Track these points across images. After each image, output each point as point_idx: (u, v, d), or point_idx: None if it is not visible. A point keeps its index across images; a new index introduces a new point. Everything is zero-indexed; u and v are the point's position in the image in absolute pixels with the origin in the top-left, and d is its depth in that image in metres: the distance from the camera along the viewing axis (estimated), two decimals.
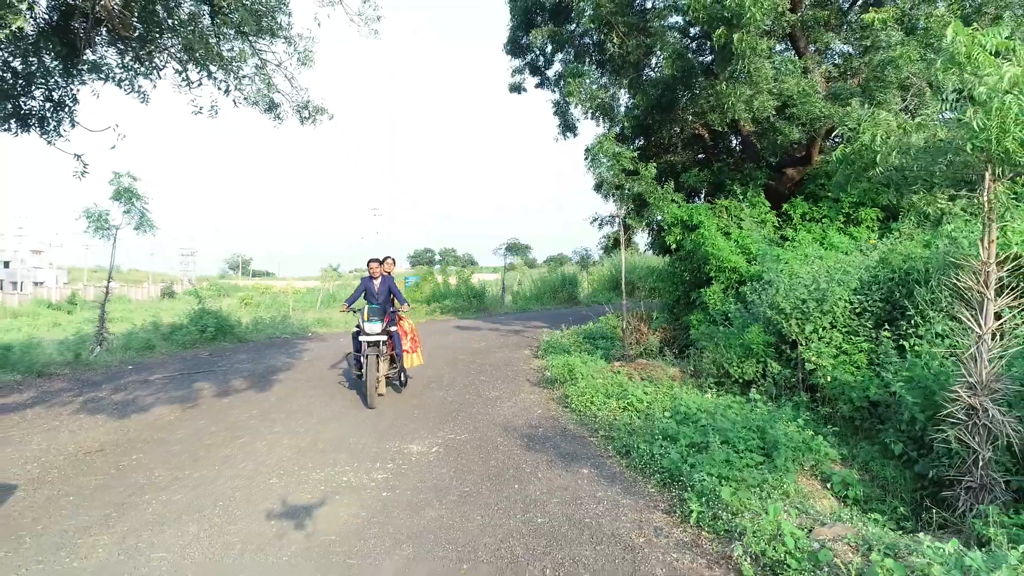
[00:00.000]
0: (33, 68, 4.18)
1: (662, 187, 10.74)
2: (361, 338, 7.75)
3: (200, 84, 4.13)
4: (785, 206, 11.17)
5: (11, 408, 7.78)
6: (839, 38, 10.79)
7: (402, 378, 8.43)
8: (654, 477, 4.88)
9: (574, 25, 14.11)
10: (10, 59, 4.17)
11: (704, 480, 4.33)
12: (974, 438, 4.31)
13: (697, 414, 5.75)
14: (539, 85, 16.40)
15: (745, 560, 3.35)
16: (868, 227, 10.56)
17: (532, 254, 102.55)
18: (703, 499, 4.14)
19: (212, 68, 3.90)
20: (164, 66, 3.95)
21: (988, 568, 2.72)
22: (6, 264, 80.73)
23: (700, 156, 13.25)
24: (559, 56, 15.50)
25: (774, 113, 9.60)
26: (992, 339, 4.38)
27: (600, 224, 15.41)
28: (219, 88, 4.26)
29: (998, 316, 4.45)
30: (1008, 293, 4.48)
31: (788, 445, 4.92)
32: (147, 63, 3.88)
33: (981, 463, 4.27)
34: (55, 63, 4.17)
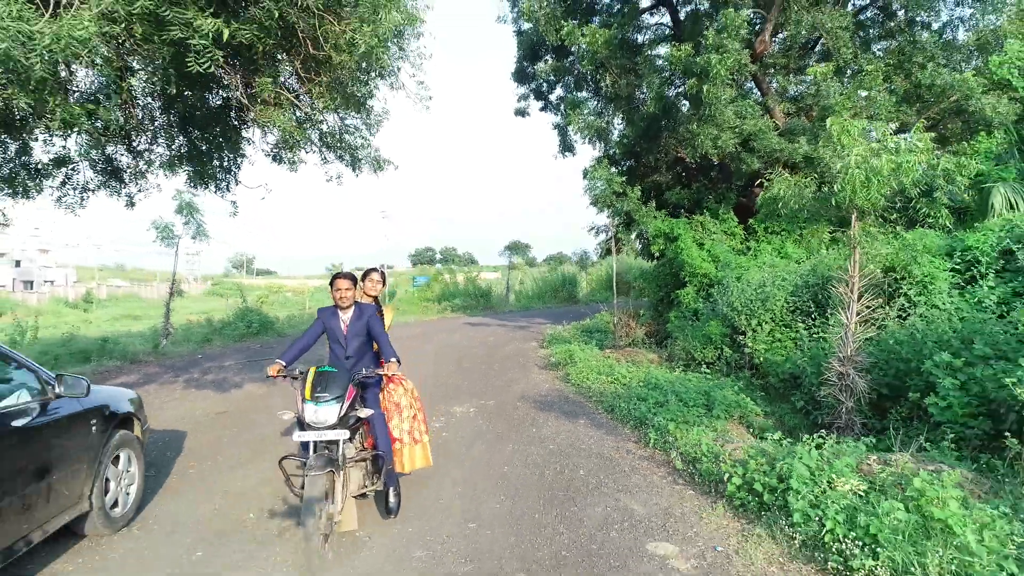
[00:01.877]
0: (212, 144, 6.29)
1: (646, 206, 12.89)
2: (299, 436, 4.01)
3: (331, 162, 6.14)
4: (752, 221, 13.31)
5: (131, 386, 9.93)
6: (794, 81, 12.90)
7: (391, 498, 4.65)
8: (629, 423, 7.05)
9: (573, 58, 16.23)
10: (197, 137, 6.26)
11: (661, 422, 6.48)
12: (842, 394, 6.45)
13: (663, 384, 7.91)
14: (543, 108, 18.51)
15: (678, 459, 5.52)
16: (819, 240, 12.70)
17: (532, 253, 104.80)
18: (658, 432, 6.29)
19: (343, 154, 5.91)
20: (309, 151, 5.95)
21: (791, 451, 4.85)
22: (17, 263, 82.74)
23: (683, 176, 15.37)
24: (561, 83, 17.61)
25: (738, 147, 11.73)
26: (856, 328, 6.52)
27: (596, 232, 17.64)
28: (343, 162, 6.28)
29: (860, 312, 6.59)
30: (865, 298, 6.62)
31: (723, 403, 7.06)
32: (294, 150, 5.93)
33: (845, 411, 6.41)
34: (227, 142, 6.28)
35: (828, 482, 4.21)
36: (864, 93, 11.12)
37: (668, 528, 4.40)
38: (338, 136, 5.39)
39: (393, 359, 4.47)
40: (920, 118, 12.27)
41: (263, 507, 4.88)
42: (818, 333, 7.86)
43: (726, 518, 4.50)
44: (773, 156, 11.79)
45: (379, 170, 6.85)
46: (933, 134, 7.41)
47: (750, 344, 8.67)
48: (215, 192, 6.48)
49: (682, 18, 14.92)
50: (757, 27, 12.80)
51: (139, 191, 6.67)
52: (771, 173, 8.18)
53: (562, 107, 17.36)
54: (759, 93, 13.31)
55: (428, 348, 13.89)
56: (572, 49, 14.99)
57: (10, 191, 6.87)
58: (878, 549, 3.49)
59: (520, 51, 17.45)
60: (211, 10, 3.27)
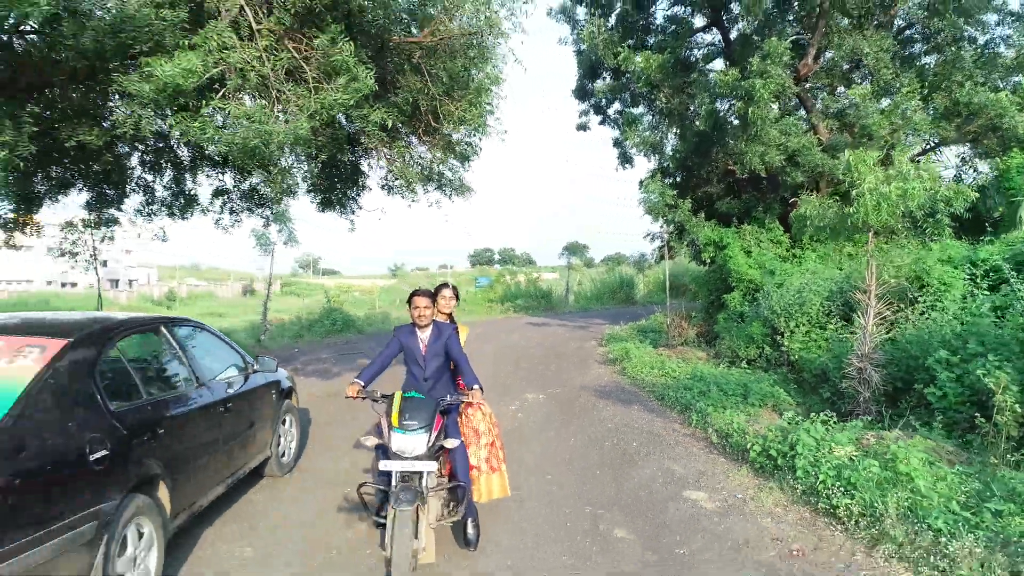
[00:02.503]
0: (341, 180, 7.87)
1: (696, 216, 14.02)
2: (385, 465, 3.89)
3: (431, 192, 7.61)
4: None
5: None
6: (838, 100, 13.76)
7: (469, 529, 4.38)
8: (676, 408, 8.31)
9: (629, 77, 17.43)
10: (332, 176, 7.84)
11: (702, 407, 7.71)
12: (860, 386, 7.54)
13: (707, 377, 9.11)
14: (601, 123, 19.71)
15: (713, 434, 6.77)
16: (843, 253, 13.49)
17: (590, 254, 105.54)
18: (700, 415, 7.54)
19: (443, 187, 7.36)
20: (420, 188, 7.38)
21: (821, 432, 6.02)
22: (104, 263, 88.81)
23: (733, 186, 16.36)
24: (618, 99, 18.81)
25: (783, 163, 12.73)
26: (873, 329, 7.60)
27: (652, 239, 18.77)
28: (442, 192, 7.73)
29: (878, 315, 7.66)
30: (883, 303, 7.69)
31: (758, 392, 8.22)
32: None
33: (863, 400, 7.50)
34: (353, 179, 7.84)
35: (828, 449, 5.41)
36: (902, 111, 11.98)
37: (701, 483, 5.68)
38: (440, 173, 6.82)
39: (476, 386, 4.31)
40: (960, 133, 13.10)
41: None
42: (844, 334, 8.92)
43: (748, 476, 5.74)
44: (816, 171, 12.76)
45: (465, 195, 8.28)
46: (963, 149, 8.38)
47: (786, 343, 9.76)
48: (340, 215, 8.06)
49: (732, 37, 15.93)
50: (802, 50, 13.73)
51: (273, 212, 8.32)
52: (807, 192, 9.27)
53: (620, 122, 18.57)
54: (804, 111, 14.23)
55: (498, 345, 15.36)
56: (628, 70, 16.22)
57: (169, 214, 8.64)
58: (854, 493, 4.70)
59: (580, 70, 18.72)
60: (378, 105, 4.74)
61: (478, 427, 4.79)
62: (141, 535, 3.61)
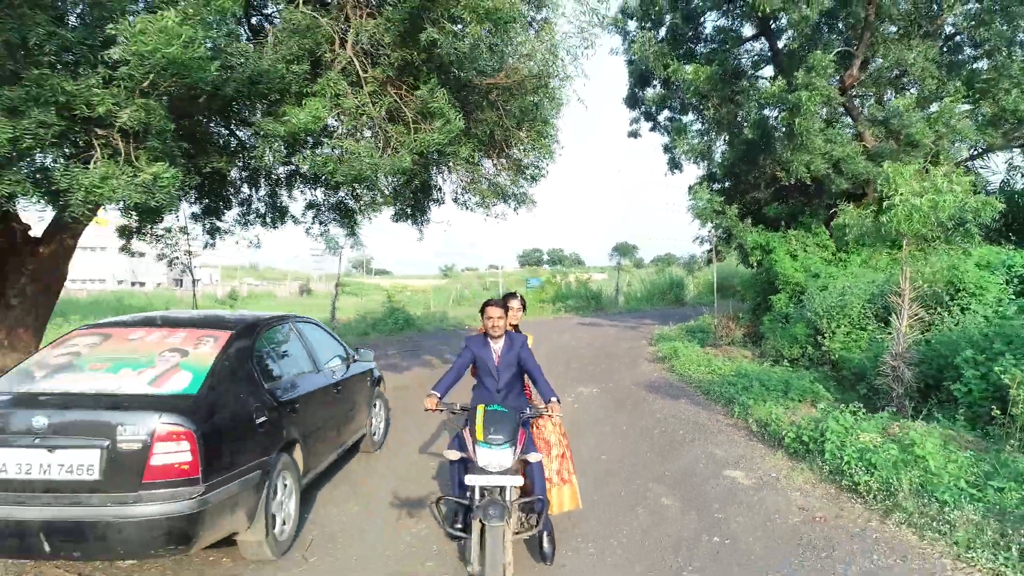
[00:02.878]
0: (417, 193, 8.85)
1: (743, 222, 14.61)
2: (470, 479, 3.82)
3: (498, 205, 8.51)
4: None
5: None
6: (883, 109, 14.12)
7: (545, 543, 4.29)
8: (720, 402, 9.03)
9: (678, 86, 18.06)
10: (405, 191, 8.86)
11: (745, 400, 8.42)
12: (894, 383, 8.13)
13: (751, 374, 9.79)
14: (652, 129, 20.34)
15: (753, 424, 7.50)
16: (877, 259, 13.82)
17: (639, 254, 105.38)
18: (742, 407, 8.25)
19: (509, 201, 8.27)
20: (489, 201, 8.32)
21: (855, 424, 6.68)
22: (170, 264, 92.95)
23: (780, 192, 16.83)
24: (667, 107, 19.43)
25: (828, 171, 13.22)
26: (907, 330, 8.17)
27: (700, 242, 19.34)
28: (507, 205, 8.63)
29: (912, 317, 8.24)
30: (916, 305, 8.26)
31: (798, 388, 8.86)
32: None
33: (896, 396, 8.09)
34: (428, 192, 8.83)
35: (855, 435, 6.10)
36: (946, 119, 12.36)
37: (740, 464, 6.43)
38: (509, 190, 7.71)
39: (554, 398, 4.31)
40: (1007, 139, 13.39)
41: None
42: (880, 335, 9.48)
43: (782, 459, 6.47)
44: (861, 178, 13.22)
45: (528, 207, 9.13)
46: (1011, 155, 8.82)
47: (827, 343, 10.34)
48: (411, 225, 9.06)
49: (780, 46, 16.39)
50: (847, 60, 14.16)
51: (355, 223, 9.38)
52: (851, 199, 9.83)
53: (669, 129, 19.20)
54: (851, 118, 14.65)
55: (551, 344, 16.22)
56: (678, 81, 16.86)
57: (263, 223, 9.77)
58: (874, 471, 5.40)
59: (631, 79, 19.41)
60: (465, 140, 5.68)
61: (549, 438, 4.79)
62: (285, 486, 4.61)
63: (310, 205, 9.14)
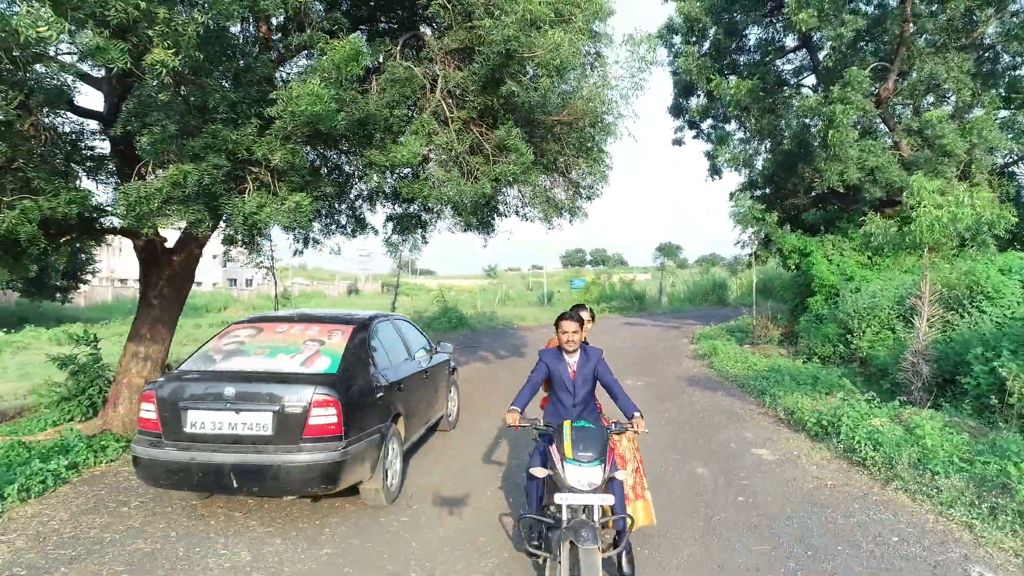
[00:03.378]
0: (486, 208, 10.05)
1: (781, 228, 15.43)
2: (560, 498, 3.67)
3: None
4: None
5: None
6: (917, 121, 14.75)
7: (624, 564, 3.98)
8: (753, 394, 10.00)
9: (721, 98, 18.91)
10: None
11: (775, 392, 9.38)
12: (914, 378, 8.99)
13: (783, 369, 10.71)
14: (695, 137, 21.25)
15: (781, 412, 8.48)
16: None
17: (683, 255, 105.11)
18: (772, 398, 9.22)
19: (566, 215, 9.40)
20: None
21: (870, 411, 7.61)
22: (224, 264, 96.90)
23: (818, 198, 17.54)
24: (710, 116, 20.28)
25: (864, 179, 13.96)
26: (926, 330, 9.02)
27: (742, 246, 20.14)
28: (563, 218, 9.77)
29: (932, 318, 9.07)
30: (936, 306, 9.09)
31: (825, 382, 9.77)
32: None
33: (915, 388, 8.95)
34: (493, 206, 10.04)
35: (867, 420, 7.05)
36: (978, 130, 13.01)
37: (766, 444, 7.44)
38: (565, 205, 8.83)
39: (637, 413, 4.16)
40: None
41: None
42: (902, 335, 10.30)
43: (804, 441, 7.45)
44: (895, 186, 13.93)
45: (581, 218, 10.18)
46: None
47: (856, 342, 11.19)
48: (477, 233, 10.25)
49: (821, 56, 17.07)
50: (883, 74, 14.85)
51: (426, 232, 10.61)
52: (870, 215, 10.66)
53: (711, 136, 20.06)
54: (887, 128, 15.33)
55: (599, 342, 17.26)
56: (720, 94, 17.74)
57: (344, 233, 11.06)
58: (879, 448, 6.36)
59: (676, 90, 20.32)
60: (534, 167, 6.86)
61: (624, 454, 4.70)
62: (393, 449, 5.82)
63: (390, 218, 10.39)
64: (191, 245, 8.43)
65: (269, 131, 5.70)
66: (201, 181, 5.44)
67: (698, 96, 19.90)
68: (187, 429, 4.89)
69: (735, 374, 11.59)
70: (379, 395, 5.57)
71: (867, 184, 14.15)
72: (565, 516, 3.63)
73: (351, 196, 10.33)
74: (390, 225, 10.39)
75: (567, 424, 3.92)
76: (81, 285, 32.11)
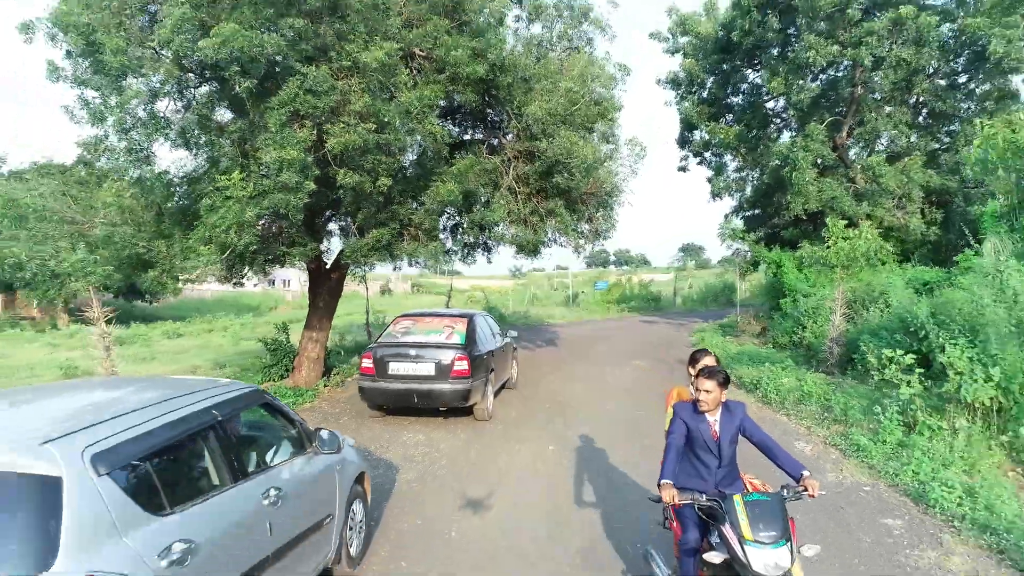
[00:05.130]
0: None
1: (766, 244, 19.54)
2: None
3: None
4: None
5: None
6: (864, 161, 18.67)
7: None
8: (731, 371, 14.19)
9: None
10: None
11: (735, 366, 13.57)
12: (830, 356, 13.07)
13: (748, 352, 14.87)
14: (699, 164, 25.33)
15: (734, 377, 12.69)
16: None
17: (706, 254, 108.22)
18: (732, 370, 13.41)
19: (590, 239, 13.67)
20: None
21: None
22: (362, 280, 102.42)
23: (794, 219, 21.51)
24: (710, 149, 24.36)
25: (821, 207, 17.98)
26: (838, 323, 13.08)
27: (735, 254, 24.24)
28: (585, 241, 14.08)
29: (842, 315, 13.14)
30: (845, 307, 13.18)
31: (772, 360, 13.89)
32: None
33: (830, 364, 13.03)
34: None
35: (779, 379, 11.22)
36: (906, 172, 16.99)
37: None
38: (587, 236, 13.15)
39: (805, 472, 3.65)
40: (961, 187, 17.84)
41: (576, 386, 12.81)
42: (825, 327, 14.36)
43: (743, 394, 11.64)
44: (848, 213, 17.95)
45: (601, 241, 14.46)
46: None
47: (803, 333, 15.30)
48: (527, 256, 14.54)
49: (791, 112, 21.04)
50: (838, 126, 18.86)
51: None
52: (804, 242, 14.73)
53: (712, 164, 24.18)
54: (844, 166, 19.34)
55: (618, 337, 21.54)
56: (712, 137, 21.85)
57: (463, 259, 15.32)
58: (779, 393, 10.55)
59: (681, 126, 24.43)
60: (571, 222, 11.21)
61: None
62: (490, 390, 10.13)
63: (465, 244, 14.75)
64: (341, 268, 12.84)
65: (420, 208, 10.10)
66: (382, 239, 9.84)
67: (700, 131, 24.02)
68: (389, 372, 9.29)
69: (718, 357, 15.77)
70: (483, 357, 9.91)
71: (827, 210, 18.20)
72: None
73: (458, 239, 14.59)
74: (466, 250, 14.74)
75: (739, 498, 3.50)
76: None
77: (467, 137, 11.95)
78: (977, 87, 18.22)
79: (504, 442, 8.81)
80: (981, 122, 12.20)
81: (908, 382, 7.97)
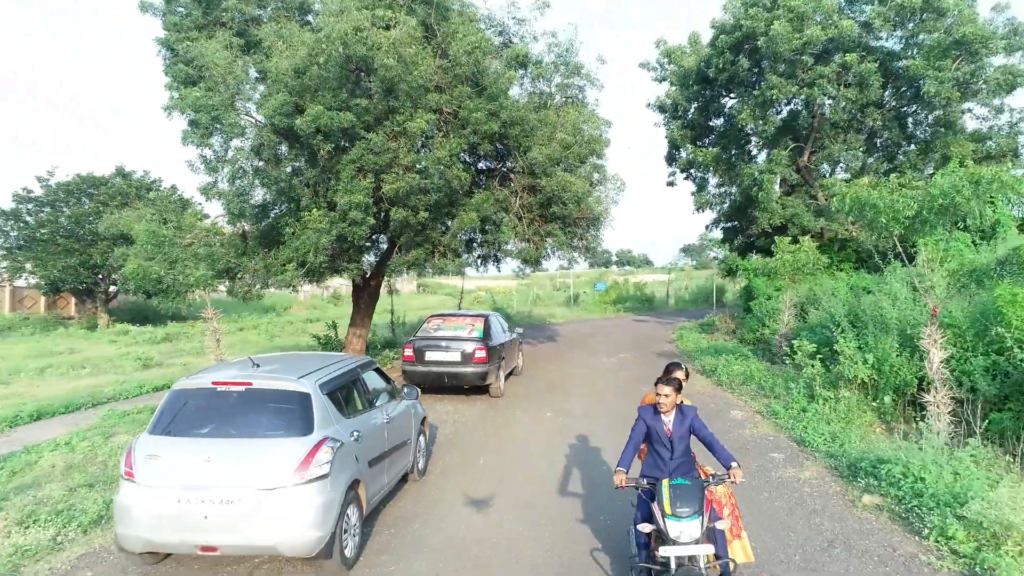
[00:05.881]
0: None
1: (742, 252, 22.40)
2: (664, 551, 4.17)
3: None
4: None
5: None
6: (823, 182, 21.48)
7: None
8: (693, 358, 17.07)
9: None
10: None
11: (701, 357, 16.43)
12: (781, 348, 15.92)
13: (715, 346, 17.73)
14: (686, 179, 28.15)
15: (699, 365, 15.57)
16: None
17: (708, 255, 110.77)
18: (698, 359, 16.28)
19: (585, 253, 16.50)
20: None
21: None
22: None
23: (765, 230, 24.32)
24: (694, 166, 27.18)
25: (786, 222, 20.79)
26: (788, 320, 15.92)
27: (716, 261, 27.09)
28: (579, 254, 16.90)
29: (791, 313, 15.97)
30: (793, 307, 16.03)
31: (733, 352, 16.74)
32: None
33: (782, 354, 15.89)
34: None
35: (731, 367, 14.07)
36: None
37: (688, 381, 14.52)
38: (579, 249, 16.05)
39: (734, 463, 4.50)
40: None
41: (571, 371, 15.70)
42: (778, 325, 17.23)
43: (703, 377, 14.49)
44: (808, 228, 20.79)
45: (592, 255, 17.35)
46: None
47: (763, 330, 18.13)
48: (532, 269, 17.38)
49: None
50: (799, 151, 21.68)
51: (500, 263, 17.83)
52: (750, 257, 17.60)
53: (695, 180, 26.99)
54: (807, 184, 22.18)
55: (611, 334, 24.39)
56: (693, 159, 24.66)
57: (476, 269, 18.21)
58: (729, 375, 13.42)
59: (668, 146, 27.28)
60: (567, 240, 14.07)
61: (720, 500, 4.92)
62: (501, 373, 13.02)
63: (479, 256, 17.66)
64: (379, 277, 15.74)
65: (448, 232, 13.00)
66: (422, 257, 12.74)
67: (687, 149, 26.85)
68: (426, 359, 12.18)
69: (687, 349, 18.65)
70: (497, 348, 12.78)
71: (789, 225, 21.04)
72: (673, 565, 4.10)
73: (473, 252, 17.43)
74: (480, 260, 17.60)
75: (665, 483, 4.30)
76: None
77: (483, 175, 14.84)
78: (920, 118, 21.04)
79: (512, 411, 11.70)
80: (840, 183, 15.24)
81: (812, 365, 10.84)
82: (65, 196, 30.77)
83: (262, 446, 5.21)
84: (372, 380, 7.11)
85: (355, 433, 5.82)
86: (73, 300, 35.96)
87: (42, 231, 30.03)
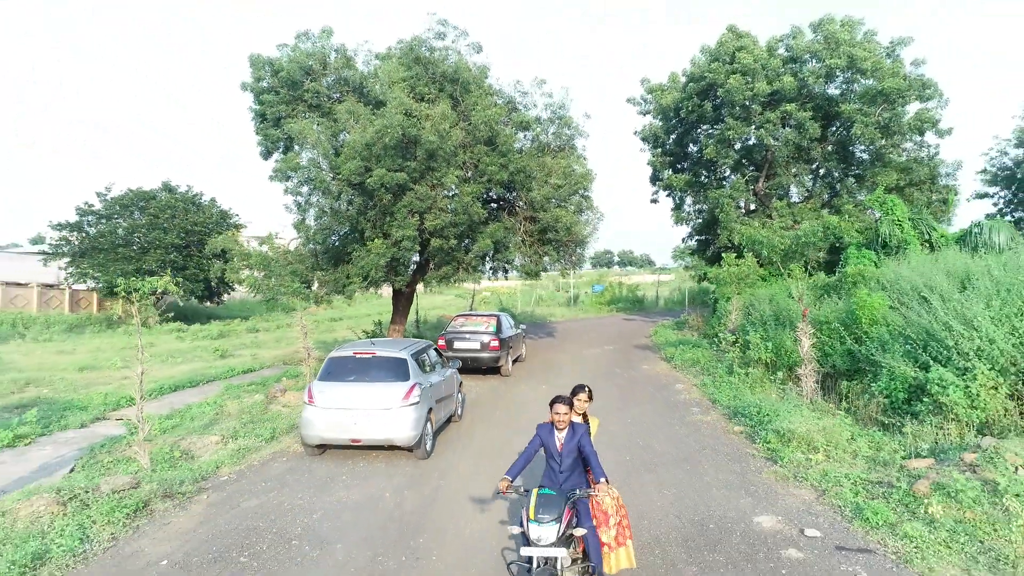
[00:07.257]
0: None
1: (710, 261, 26.73)
2: (525, 551, 4.72)
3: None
4: None
5: None
6: (775, 205, 25.76)
7: None
8: (661, 350, 21.41)
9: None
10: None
11: (670, 350, 20.78)
12: (729, 340, 20.26)
13: (682, 340, 22.06)
14: (667, 196, 32.48)
15: (663, 354, 19.92)
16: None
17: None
18: (668, 353, 20.62)
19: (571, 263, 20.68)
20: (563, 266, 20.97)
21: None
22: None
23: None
24: (673, 187, 31.50)
25: (744, 240, 25.05)
26: (735, 318, 20.22)
27: (688, 268, 31.39)
28: (566, 265, 21.16)
29: (737, 315, 20.29)
30: (739, 310, 20.36)
31: (692, 344, 21.04)
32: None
33: (728, 346, 20.25)
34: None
35: (686, 353, 18.40)
36: (797, 217, 24.09)
37: (653, 368, 18.82)
38: (571, 262, 20.34)
39: (603, 479, 4.92)
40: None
41: (563, 358, 20.09)
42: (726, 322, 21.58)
43: (664, 363, 18.82)
44: (763, 247, 25.05)
45: (578, 268, 21.67)
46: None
47: (719, 327, 22.44)
48: (527, 278, 21.69)
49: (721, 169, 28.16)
50: (756, 179, 25.97)
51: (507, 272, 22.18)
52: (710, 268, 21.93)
53: (674, 198, 31.30)
54: (763, 207, 26.49)
55: (600, 331, 28.72)
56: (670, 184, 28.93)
57: (488, 278, 22.63)
58: (684, 361, 17.75)
59: (652, 168, 31.60)
60: (560, 257, 18.40)
61: (607, 510, 5.42)
62: (509, 357, 17.39)
63: (491, 267, 22.04)
64: (414, 285, 20.10)
65: (469, 254, 17.39)
66: (450, 273, 17.14)
67: (668, 173, 31.20)
68: (454, 347, 16.55)
69: (659, 342, 22.97)
70: (506, 339, 17.14)
71: (747, 242, 25.31)
72: (534, 566, 4.70)
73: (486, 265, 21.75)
74: (491, 271, 21.93)
75: (535, 491, 4.90)
76: (229, 292, 44.03)
77: (495, 207, 19.19)
78: (854, 153, 25.35)
79: (517, 385, 16.07)
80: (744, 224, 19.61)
81: (730, 351, 15.21)
82: (120, 209, 34.73)
83: (382, 387, 9.59)
84: (432, 355, 11.48)
85: (429, 382, 10.20)
86: (120, 302, 40.07)
87: (100, 240, 33.84)
